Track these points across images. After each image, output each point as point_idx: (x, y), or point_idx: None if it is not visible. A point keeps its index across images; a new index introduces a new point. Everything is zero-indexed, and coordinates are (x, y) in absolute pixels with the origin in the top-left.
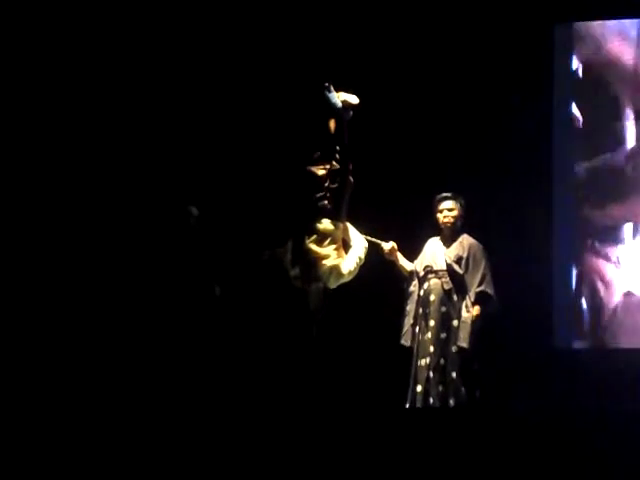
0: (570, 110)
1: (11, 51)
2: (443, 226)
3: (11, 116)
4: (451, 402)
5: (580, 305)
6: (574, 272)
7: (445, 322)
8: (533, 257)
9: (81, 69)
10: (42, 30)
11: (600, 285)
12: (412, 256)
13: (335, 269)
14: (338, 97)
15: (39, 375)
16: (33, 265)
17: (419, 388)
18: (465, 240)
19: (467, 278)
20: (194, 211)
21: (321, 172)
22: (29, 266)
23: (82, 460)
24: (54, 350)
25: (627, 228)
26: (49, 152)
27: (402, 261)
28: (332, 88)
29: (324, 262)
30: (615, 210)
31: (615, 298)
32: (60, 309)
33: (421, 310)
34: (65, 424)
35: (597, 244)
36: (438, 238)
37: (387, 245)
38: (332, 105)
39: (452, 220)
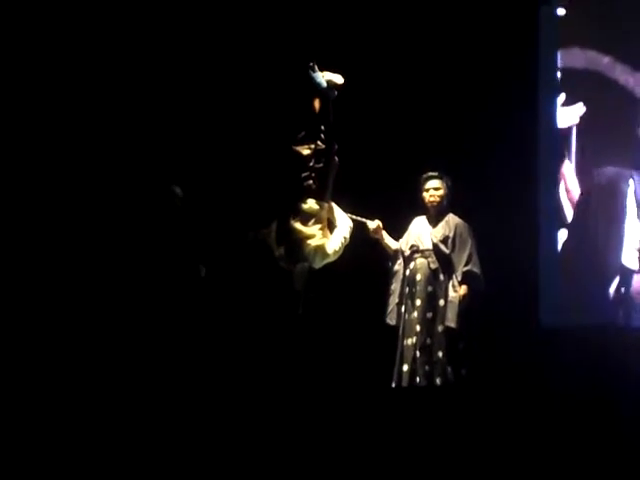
0: (555, 94)
1: None
2: (429, 205)
3: None
4: (437, 381)
5: (566, 283)
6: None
7: (431, 301)
8: (518, 235)
9: (61, 51)
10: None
11: (586, 262)
12: (397, 235)
13: (320, 249)
14: (323, 77)
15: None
16: (16, 247)
17: (405, 367)
18: (451, 219)
19: (454, 258)
20: (178, 191)
21: (306, 152)
22: (11, 247)
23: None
24: (34, 325)
25: None
26: (31, 133)
27: (387, 240)
28: (317, 67)
29: (309, 242)
30: None
31: (601, 276)
32: (43, 288)
33: (407, 289)
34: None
35: None
36: (424, 217)
37: (372, 224)
38: (317, 85)
39: (438, 199)
